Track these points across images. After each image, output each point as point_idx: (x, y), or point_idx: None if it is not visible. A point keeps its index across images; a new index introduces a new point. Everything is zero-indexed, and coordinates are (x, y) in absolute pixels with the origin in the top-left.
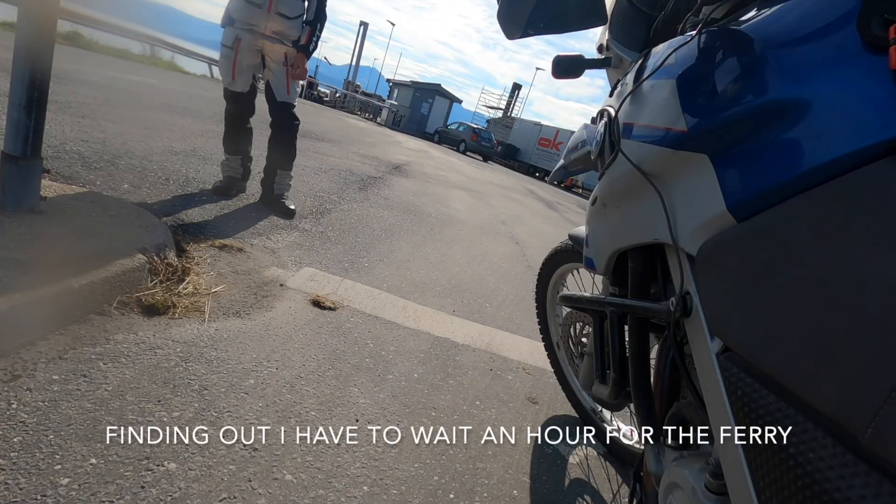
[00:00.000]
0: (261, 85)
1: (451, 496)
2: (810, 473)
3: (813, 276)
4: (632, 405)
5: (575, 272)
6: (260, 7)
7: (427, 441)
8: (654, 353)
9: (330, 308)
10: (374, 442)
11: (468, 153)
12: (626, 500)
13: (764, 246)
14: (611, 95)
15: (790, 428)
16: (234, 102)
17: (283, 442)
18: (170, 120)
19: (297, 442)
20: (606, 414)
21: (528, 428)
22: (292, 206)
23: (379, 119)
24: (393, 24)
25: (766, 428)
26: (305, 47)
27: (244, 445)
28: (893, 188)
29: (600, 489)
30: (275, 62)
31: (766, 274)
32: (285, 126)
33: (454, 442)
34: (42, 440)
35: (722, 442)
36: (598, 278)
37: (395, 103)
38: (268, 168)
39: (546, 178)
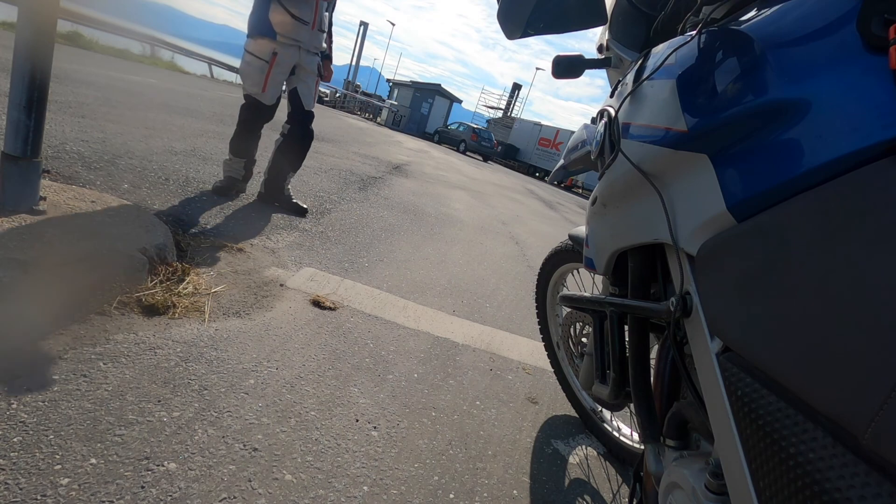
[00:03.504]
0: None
1: (451, 496)
2: (810, 473)
3: (813, 276)
4: (632, 405)
5: (575, 272)
6: (307, 24)
7: (427, 441)
8: (654, 353)
9: (330, 308)
10: (374, 442)
11: (468, 153)
12: (626, 500)
13: (764, 246)
14: (611, 95)
15: (790, 428)
16: (257, 112)
17: (283, 442)
18: (170, 120)
19: (297, 442)
20: (606, 414)
21: (528, 428)
22: (304, 205)
23: (379, 119)
24: (393, 24)
25: (766, 428)
26: (329, 55)
27: (244, 445)
28: (893, 188)
29: (600, 489)
30: (308, 72)
31: (766, 274)
32: (306, 134)
33: (454, 442)
34: (42, 440)
35: (722, 442)
36: (598, 278)
37: (395, 103)
38: (278, 171)
39: (546, 178)
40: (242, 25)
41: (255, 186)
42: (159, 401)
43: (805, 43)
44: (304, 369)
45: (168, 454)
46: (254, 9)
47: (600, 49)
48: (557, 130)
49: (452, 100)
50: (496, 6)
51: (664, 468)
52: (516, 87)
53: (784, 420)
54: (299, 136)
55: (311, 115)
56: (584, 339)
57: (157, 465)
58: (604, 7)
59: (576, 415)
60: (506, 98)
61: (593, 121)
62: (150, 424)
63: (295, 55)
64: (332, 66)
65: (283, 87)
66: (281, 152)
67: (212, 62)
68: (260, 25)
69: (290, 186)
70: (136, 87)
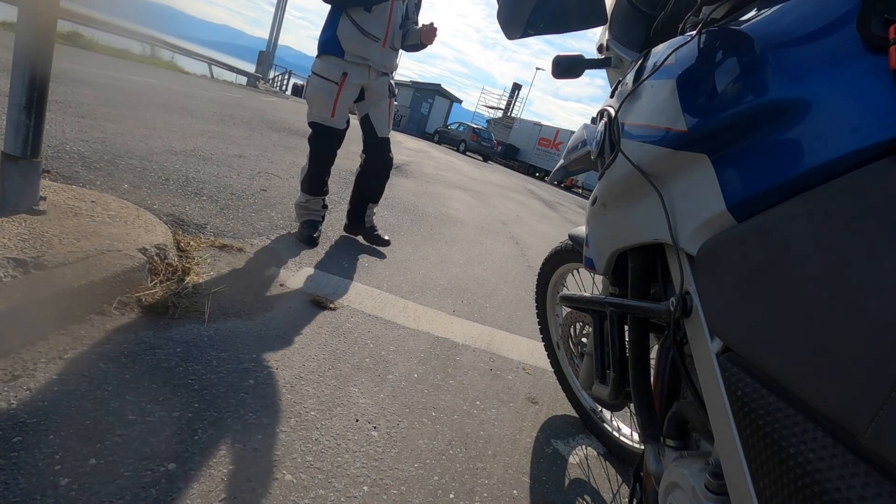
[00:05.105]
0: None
1: (451, 496)
2: (810, 473)
3: (813, 276)
4: (632, 405)
5: (575, 272)
6: (377, 41)
7: (427, 441)
8: (654, 353)
9: (330, 308)
10: (374, 442)
11: (468, 153)
12: (626, 500)
13: (764, 246)
14: (611, 96)
15: (790, 428)
16: (328, 139)
17: (283, 442)
18: (170, 120)
19: (297, 442)
20: (606, 414)
21: (528, 428)
22: (387, 237)
23: (353, 109)
24: None
25: (766, 428)
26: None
27: (244, 445)
28: (893, 188)
29: (600, 489)
30: (378, 95)
31: (766, 274)
32: (387, 162)
33: (454, 442)
34: (42, 440)
35: (722, 442)
36: (598, 278)
37: (395, 103)
38: (357, 201)
39: (546, 178)
40: (242, 25)
41: (254, 186)
42: (159, 401)
43: (805, 43)
44: (304, 369)
45: (168, 454)
46: (324, 26)
47: (600, 49)
48: (557, 130)
49: (452, 100)
50: (496, 6)
51: (664, 468)
52: (516, 87)
53: (784, 420)
54: (376, 163)
55: (386, 142)
56: (584, 339)
57: (157, 465)
58: (604, 7)
59: (576, 415)
60: (506, 98)
61: (593, 121)
62: (150, 424)
63: (363, 75)
64: (433, 26)
65: (356, 113)
66: (363, 181)
67: (212, 62)
68: (328, 43)
69: (373, 218)
70: (136, 87)
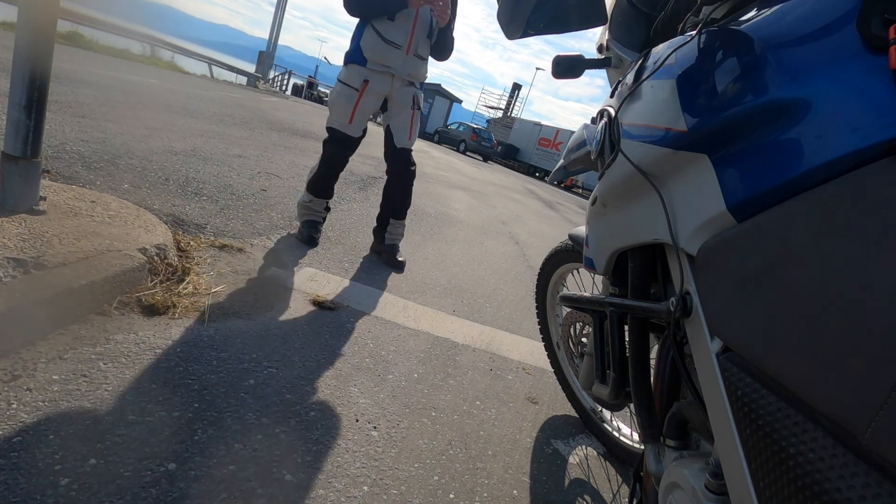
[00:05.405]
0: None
1: (451, 496)
2: (810, 473)
3: (813, 276)
4: (632, 405)
5: (575, 272)
6: (399, 48)
7: (427, 441)
8: (654, 353)
9: (330, 308)
10: (374, 442)
11: (468, 153)
12: (626, 500)
13: (764, 246)
14: (611, 95)
15: (790, 428)
16: (342, 145)
17: (283, 442)
18: (170, 120)
19: (297, 442)
20: (606, 414)
21: (528, 428)
22: (402, 259)
23: (378, 119)
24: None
25: (766, 428)
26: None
27: (244, 445)
28: (893, 188)
29: (600, 489)
30: (401, 106)
31: (766, 274)
32: (404, 173)
33: (454, 442)
34: (42, 440)
35: (722, 442)
36: (598, 278)
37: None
38: (381, 217)
39: (546, 178)
40: (242, 25)
41: (257, 186)
42: (159, 401)
43: (805, 43)
44: (304, 369)
45: (168, 454)
46: (351, 38)
47: (600, 49)
48: (557, 130)
49: (452, 100)
50: (496, 6)
51: (664, 468)
52: (516, 87)
53: (784, 420)
54: (396, 175)
55: (404, 153)
56: (584, 339)
57: (157, 465)
58: (604, 7)
59: (576, 415)
60: (506, 98)
61: (593, 121)
62: (150, 424)
63: (386, 84)
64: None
65: (380, 122)
66: (385, 194)
67: (212, 62)
68: (353, 53)
69: (399, 239)
70: (135, 87)
